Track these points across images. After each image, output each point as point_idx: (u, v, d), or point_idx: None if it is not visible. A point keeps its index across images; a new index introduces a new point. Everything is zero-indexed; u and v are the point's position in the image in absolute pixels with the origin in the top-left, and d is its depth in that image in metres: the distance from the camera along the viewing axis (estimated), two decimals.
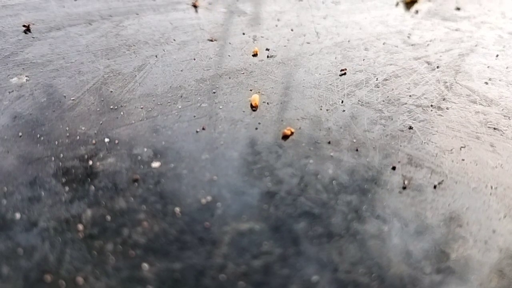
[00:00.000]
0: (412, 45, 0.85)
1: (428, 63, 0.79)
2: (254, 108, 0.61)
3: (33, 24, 0.80)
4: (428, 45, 0.86)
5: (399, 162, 0.56)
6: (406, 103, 0.67)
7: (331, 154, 0.56)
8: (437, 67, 0.78)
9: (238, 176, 0.51)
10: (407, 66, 0.78)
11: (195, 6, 0.83)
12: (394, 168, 0.55)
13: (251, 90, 0.67)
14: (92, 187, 0.49)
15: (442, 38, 0.89)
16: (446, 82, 0.74)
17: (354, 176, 0.53)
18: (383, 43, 0.85)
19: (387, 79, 0.73)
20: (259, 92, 0.66)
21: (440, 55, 0.82)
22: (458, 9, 1.04)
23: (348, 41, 0.85)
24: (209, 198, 0.48)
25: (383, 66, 0.77)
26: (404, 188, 0.53)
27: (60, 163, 0.51)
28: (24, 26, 0.78)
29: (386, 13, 0.98)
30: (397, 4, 1.04)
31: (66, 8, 0.86)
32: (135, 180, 0.50)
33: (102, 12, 0.85)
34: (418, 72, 0.76)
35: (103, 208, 0.46)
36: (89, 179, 0.49)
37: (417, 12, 1.00)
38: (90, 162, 0.52)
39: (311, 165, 0.54)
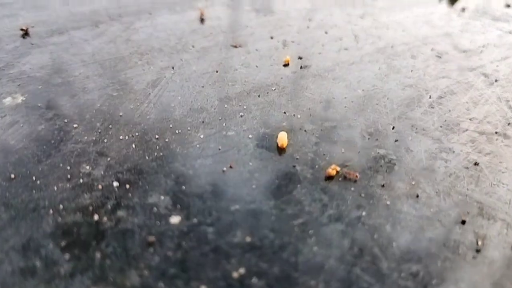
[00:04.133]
0: (463, 51, 0.74)
1: (485, 75, 0.68)
2: (281, 149, 0.51)
3: (32, 26, 0.70)
4: (481, 51, 0.75)
5: (468, 213, 0.46)
6: (467, 130, 0.57)
7: (387, 202, 0.46)
8: (496, 80, 0.67)
9: (276, 236, 0.42)
10: (462, 80, 0.67)
11: (202, 19, 0.72)
12: (463, 222, 0.45)
13: (284, 113, 0.57)
14: (98, 255, 0.39)
15: (496, 43, 0.78)
16: (509, 101, 0.63)
17: (418, 235, 0.43)
18: (431, 49, 0.74)
19: (442, 97, 0.63)
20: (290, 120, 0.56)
21: (496, 64, 0.71)
22: (508, 6, 0.92)
23: (392, 46, 0.74)
24: (242, 270, 0.39)
25: (435, 80, 0.66)
26: (478, 251, 0.43)
27: (59, 218, 0.42)
28: (22, 29, 0.68)
29: (430, 10, 0.87)
30: None
31: (70, 7, 0.76)
32: (151, 244, 0.40)
33: (110, 12, 0.75)
34: (475, 87, 0.65)
35: (111, 286, 0.37)
36: (94, 242, 0.40)
37: (463, 10, 0.88)
38: (96, 217, 0.42)
39: (365, 219, 0.44)
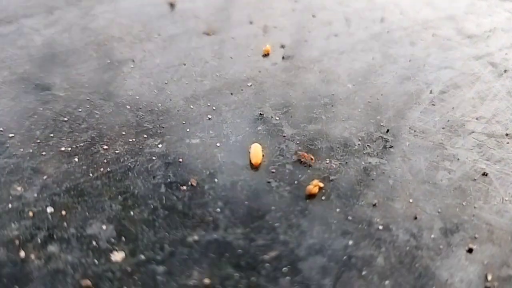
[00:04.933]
0: (468, 37, 0.65)
1: (493, 65, 0.60)
2: (254, 166, 0.42)
3: None
4: (488, 37, 0.66)
5: (475, 238, 0.38)
6: (473, 131, 0.49)
7: (380, 227, 0.38)
8: (505, 71, 0.59)
9: (242, 275, 0.34)
10: (467, 70, 0.58)
11: (171, 3, 0.62)
12: (470, 250, 0.37)
13: (261, 114, 0.49)
14: None
15: (504, 27, 0.69)
16: None
17: (415, 268, 0.36)
18: (432, 35, 0.65)
19: (444, 92, 0.54)
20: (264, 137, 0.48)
21: (505, 52, 0.63)
22: None
23: (388, 31, 0.65)
24: None
25: (436, 71, 0.58)
26: None
27: None
28: None
29: None
30: None
31: None
32: None
33: None
34: (482, 79, 0.57)
35: None
36: (16, 287, 0.32)
37: None
38: (22, 254, 0.34)
39: (352, 250, 0.36)
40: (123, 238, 0.36)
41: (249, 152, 0.43)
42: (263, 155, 0.43)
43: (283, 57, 0.58)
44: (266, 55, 0.58)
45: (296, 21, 0.66)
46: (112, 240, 0.36)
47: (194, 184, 0.40)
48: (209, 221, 0.37)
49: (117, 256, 0.34)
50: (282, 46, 0.60)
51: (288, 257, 0.36)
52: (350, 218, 0.39)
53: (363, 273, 0.35)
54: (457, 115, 0.51)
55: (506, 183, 0.44)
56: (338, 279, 0.34)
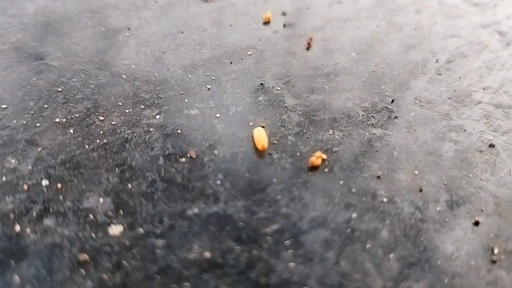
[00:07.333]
0: (475, 5, 0.63)
1: (501, 33, 0.58)
2: (261, 151, 0.40)
3: None
4: (495, 5, 0.64)
5: (482, 210, 0.38)
6: (480, 102, 0.48)
7: (384, 199, 0.37)
8: None
9: (243, 249, 0.33)
10: (474, 39, 0.56)
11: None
12: (477, 223, 0.37)
13: (262, 84, 0.47)
14: (16, 279, 0.31)
15: None
16: None
17: (420, 241, 0.35)
18: (438, 2, 0.63)
19: (450, 61, 0.53)
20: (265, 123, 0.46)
21: None
22: None
23: None
24: None
25: (443, 39, 0.56)
26: (494, 262, 0.35)
27: None
28: None
29: None
30: None
31: None
32: (82, 263, 0.32)
33: None
34: (489, 48, 0.55)
35: None
36: (12, 262, 0.32)
37: None
38: (17, 228, 0.34)
39: (355, 223, 0.36)
40: (121, 212, 0.35)
41: (253, 137, 0.41)
42: (265, 123, 0.42)
43: (284, 25, 0.56)
44: (266, 22, 0.56)
45: None
46: (110, 213, 0.35)
47: (194, 156, 0.39)
48: (209, 194, 0.36)
49: (115, 229, 0.34)
50: (283, 14, 0.58)
51: (290, 230, 0.35)
52: (353, 190, 0.38)
53: (367, 246, 0.34)
54: (463, 85, 0.49)
55: None
56: (342, 252, 0.34)
